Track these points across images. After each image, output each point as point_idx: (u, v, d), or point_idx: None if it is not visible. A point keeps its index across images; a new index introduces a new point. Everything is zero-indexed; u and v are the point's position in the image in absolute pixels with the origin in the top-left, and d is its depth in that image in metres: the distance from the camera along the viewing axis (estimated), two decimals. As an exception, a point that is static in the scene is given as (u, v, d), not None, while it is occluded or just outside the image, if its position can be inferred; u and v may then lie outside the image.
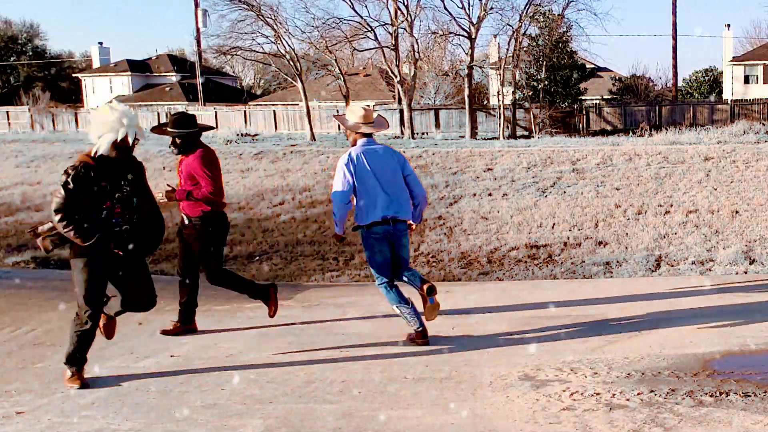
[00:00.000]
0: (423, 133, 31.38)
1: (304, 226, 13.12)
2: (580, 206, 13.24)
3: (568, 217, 12.51)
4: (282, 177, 18.38)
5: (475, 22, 28.83)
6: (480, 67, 38.13)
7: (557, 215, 12.70)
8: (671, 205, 12.94)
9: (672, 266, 9.22)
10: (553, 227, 11.94)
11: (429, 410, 4.01)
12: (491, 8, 28.78)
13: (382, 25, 29.74)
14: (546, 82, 31.24)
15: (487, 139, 28.74)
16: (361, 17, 29.40)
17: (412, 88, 30.72)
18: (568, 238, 11.15)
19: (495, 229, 11.97)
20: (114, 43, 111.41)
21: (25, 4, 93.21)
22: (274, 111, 35.60)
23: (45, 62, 58.29)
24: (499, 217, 12.87)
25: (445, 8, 33.97)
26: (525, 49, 30.87)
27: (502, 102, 29.31)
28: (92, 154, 4.32)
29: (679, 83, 42.89)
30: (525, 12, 29.20)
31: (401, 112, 31.30)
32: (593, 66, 41.03)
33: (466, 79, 30.62)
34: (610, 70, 45.82)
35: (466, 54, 29.88)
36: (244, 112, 35.90)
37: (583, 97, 34.38)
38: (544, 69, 31.20)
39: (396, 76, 29.87)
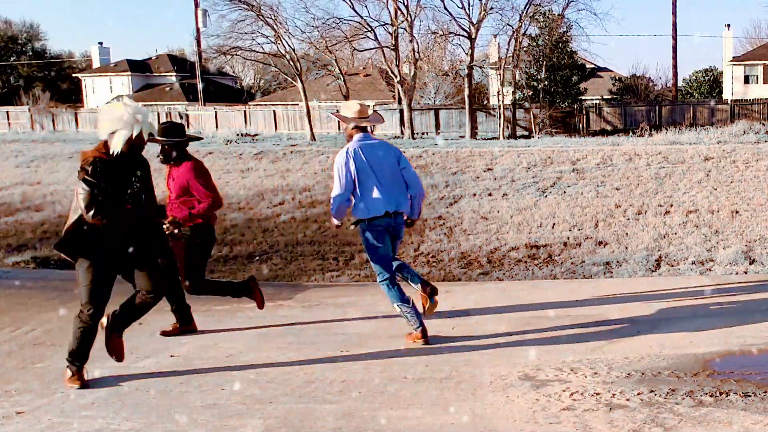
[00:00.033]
0: (423, 133, 31.37)
1: (304, 226, 13.12)
2: (580, 206, 13.24)
3: (568, 217, 12.51)
4: (282, 177, 18.38)
5: (475, 22, 28.84)
6: (480, 67, 38.13)
7: (557, 215, 12.70)
8: (671, 205, 12.94)
9: (672, 266, 9.22)
10: (553, 227, 11.94)
11: (429, 410, 4.01)
12: (491, 8, 28.80)
13: (382, 25, 29.76)
14: (546, 82, 31.24)
15: (487, 139, 28.74)
16: (361, 17, 29.43)
17: (412, 88, 30.72)
18: (568, 238, 11.15)
19: (495, 229, 11.97)
20: (114, 43, 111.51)
21: (25, 4, 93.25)
22: (274, 111, 35.59)
23: (45, 62, 58.29)
24: (499, 217, 12.87)
25: (445, 8, 34.01)
26: (525, 49, 30.87)
27: (502, 102, 29.32)
28: (105, 150, 4.28)
29: (679, 83, 42.91)
30: (525, 12, 29.22)
31: (401, 112, 31.31)
32: (593, 66, 41.02)
33: (466, 79, 30.63)
34: (610, 70, 45.83)
35: (466, 54, 29.88)
36: (244, 112, 35.90)
37: (583, 97, 34.38)
38: (544, 69, 31.20)
39: (396, 76, 29.87)
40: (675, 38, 35.90)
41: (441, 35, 31.65)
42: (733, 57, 42.31)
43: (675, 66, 43.20)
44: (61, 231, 4.40)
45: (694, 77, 46.65)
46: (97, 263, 4.32)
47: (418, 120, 31.79)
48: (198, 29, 37.09)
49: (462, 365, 4.72)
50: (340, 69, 30.75)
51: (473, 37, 29.06)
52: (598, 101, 36.29)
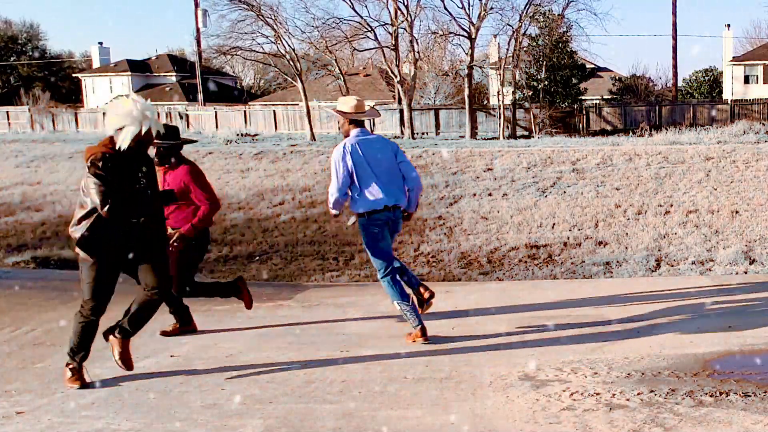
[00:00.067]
0: (423, 133, 31.38)
1: (304, 226, 13.12)
2: (580, 206, 13.24)
3: (568, 217, 12.51)
4: (282, 177, 18.39)
5: (475, 22, 28.85)
6: (480, 67, 38.13)
7: (557, 215, 12.70)
8: (671, 205, 12.95)
9: (672, 266, 9.22)
10: (553, 227, 11.94)
11: (429, 410, 4.01)
12: (491, 8, 28.82)
13: (382, 25, 29.77)
14: (546, 82, 31.24)
15: (487, 139, 28.75)
16: (361, 17, 29.45)
17: (412, 88, 30.72)
18: (568, 238, 11.15)
19: (495, 229, 11.97)
20: (114, 43, 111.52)
21: (25, 4, 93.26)
22: (274, 111, 35.59)
23: (45, 62, 58.30)
24: (499, 217, 12.87)
25: (445, 8, 34.07)
26: (525, 49, 30.88)
27: (502, 102, 29.32)
28: (111, 145, 4.26)
29: (679, 83, 42.92)
30: (525, 12, 29.23)
31: (401, 112, 31.31)
32: (593, 66, 41.03)
33: (466, 79, 30.63)
34: (610, 70, 45.83)
35: (466, 54, 29.89)
36: (244, 112, 35.90)
37: (583, 97, 34.38)
38: (544, 69, 31.20)
39: (396, 76, 29.88)
40: (675, 38, 35.93)
41: (441, 35, 31.66)
42: (733, 57, 42.31)
43: (675, 66, 43.27)
44: (63, 230, 4.38)
45: (694, 77, 46.67)
46: (101, 260, 4.30)
47: (418, 120, 31.80)
48: (198, 29, 37.10)
49: (462, 365, 4.72)
50: (340, 69, 30.76)
51: (473, 37, 29.06)
52: (598, 101, 36.30)
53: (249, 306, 5.80)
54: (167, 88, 50.05)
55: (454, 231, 12.14)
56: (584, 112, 32.33)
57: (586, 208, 13.09)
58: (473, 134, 29.38)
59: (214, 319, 6.02)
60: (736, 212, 12.09)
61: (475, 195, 14.91)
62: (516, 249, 10.66)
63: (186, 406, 4.13)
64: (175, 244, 5.25)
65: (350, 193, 5.27)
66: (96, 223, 4.26)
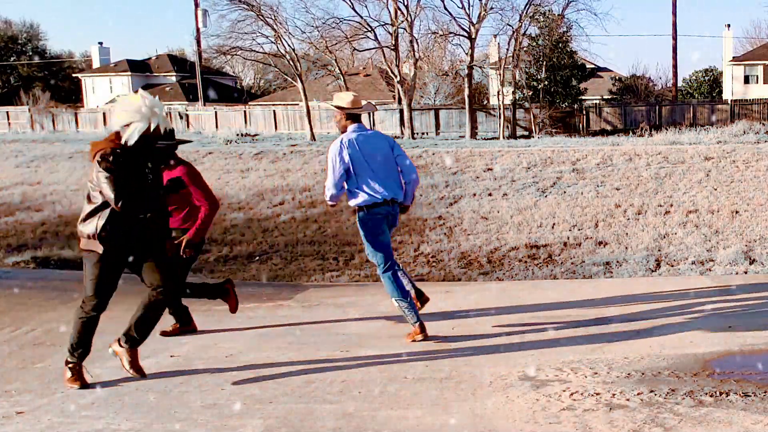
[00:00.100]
0: (423, 133, 31.38)
1: (304, 226, 13.12)
2: (580, 206, 13.24)
3: (568, 217, 12.51)
4: (282, 177, 18.39)
5: (475, 22, 28.85)
6: (480, 67, 38.14)
7: (557, 215, 12.70)
8: (671, 205, 12.95)
9: (672, 266, 9.22)
10: (553, 227, 11.94)
11: (429, 410, 4.01)
12: (491, 8, 28.83)
13: (382, 25, 29.78)
14: (546, 82, 31.25)
15: (487, 139, 28.75)
16: (361, 17, 29.46)
17: (412, 88, 30.73)
18: (568, 238, 11.15)
19: (495, 229, 11.97)
20: (114, 43, 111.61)
21: (25, 4, 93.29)
22: (274, 111, 35.60)
23: (45, 62, 58.31)
24: (499, 217, 12.87)
25: (445, 8, 34.08)
26: (525, 49, 30.89)
27: (502, 102, 29.33)
28: (118, 141, 4.23)
29: (679, 83, 42.93)
30: (525, 12, 29.24)
31: (401, 112, 31.31)
32: (593, 66, 41.04)
33: (466, 79, 30.64)
34: (610, 70, 45.85)
35: (466, 54, 29.90)
36: (244, 112, 35.90)
37: (583, 97, 34.39)
38: (544, 69, 31.21)
39: (396, 76, 29.88)
40: (675, 38, 35.93)
41: (441, 35, 31.67)
42: (733, 57, 42.32)
43: (675, 66, 43.27)
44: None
45: (694, 77, 46.68)
46: (105, 256, 4.26)
47: (418, 120, 31.80)
48: (198, 29, 37.11)
49: (462, 365, 4.72)
50: (340, 69, 30.78)
51: (473, 37, 29.07)
52: (598, 101, 36.31)
53: (233, 310, 5.70)
54: (167, 88, 50.05)
55: (454, 231, 12.14)
56: (584, 112, 32.34)
57: (586, 208, 13.09)
58: (473, 134, 29.38)
59: (214, 319, 6.02)
60: (736, 212, 12.10)
61: (475, 195, 14.91)
62: (516, 249, 10.66)
63: (186, 406, 4.13)
64: (186, 250, 5.25)
65: (347, 188, 5.30)
66: (112, 216, 4.22)
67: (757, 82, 41.28)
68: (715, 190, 14.00)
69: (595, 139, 24.66)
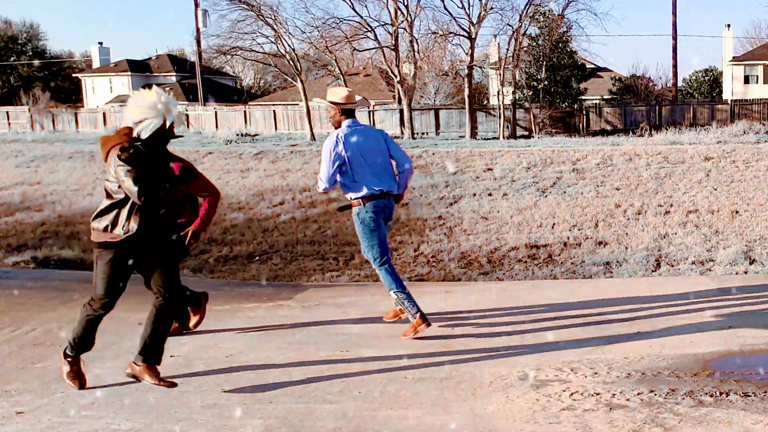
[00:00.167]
0: (423, 133, 31.38)
1: (304, 226, 13.12)
2: (580, 206, 13.24)
3: (568, 217, 12.51)
4: (282, 177, 18.39)
5: (475, 22, 28.86)
6: (480, 67, 38.15)
7: (557, 215, 12.70)
8: (671, 205, 12.95)
9: (672, 266, 9.22)
10: (553, 227, 11.94)
11: (429, 410, 4.01)
12: (491, 8, 28.85)
13: (382, 25, 29.79)
14: (546, 82, 31.25)
15: (487, 139, 28.76)
16: (361, 17, 29.47)
17: (412, 88, 30.73)
18: (568, 238, 11.15)
19: (495, 229, 11.97)
20: (114, 43, 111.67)
21: (25, 4, 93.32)
22: (274, 111, 35.60)
23: (45, 62, 58.31)
24: (499, 217, 12.87)
25: (445, 8, 34.09)
26: (525, 49, 30.90)
27: (502, 102, 29.33)
28: (131, 135, 4.18)
29: (679, 83, 42.94)
30: (525, 12, 29.25)
31: (401, 112, 31.32)
32: (593, 66, 41.04)
33: (466, 79, 30.65)
34: (610, 70, 45.86)
35: (466, 54, 29.90)
36: (244, 112, 35.91)
37: (583, 97, 34.40)
38: (544, 69, 31.22)
39: (396, 76, 29.88)
40: (675, 38, 35.94)
41: (441, 35, 31.68)
42: (733, 57, 42.32)
43: (675, 66, 43.26)
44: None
45: (694, 77, 46.69)
46: (119, 251, 4.20)
47: (418, 120, 31.80)
48: (198, 29, 37.12)
49: (462, 365, 4.72)
50: (340, 69, 30.78)
51: (473, 37, 29.07)
52: (598, 101, 36.31)
53: (194, 326, 5.53)
54: (167, 88, 50.01)
55: (454, 231, 12.14)
56: (584, 112, 32.35)
57: (586, 208, 13.09)
58: (473, 134, 29.38)
59: (214, 319, 6.02)
60: (736, 212, 12.10)
61: (475, 195, 14.91)
62: (516, 249, 10.66)
63: (186, 406, 4.13)
64: (191, 241, 5.15)
65: (343, 182, 5.34)
66: (131, 210, 4.15)
67: (757, 82, 41.28)
68: (715, 190, 14.00)
69: (595, 139, 24.67)
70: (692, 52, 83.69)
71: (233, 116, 35.44)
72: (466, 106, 29.70)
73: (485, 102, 39.11)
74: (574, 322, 5.67)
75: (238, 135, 29.55)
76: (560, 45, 31.31)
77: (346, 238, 11.24)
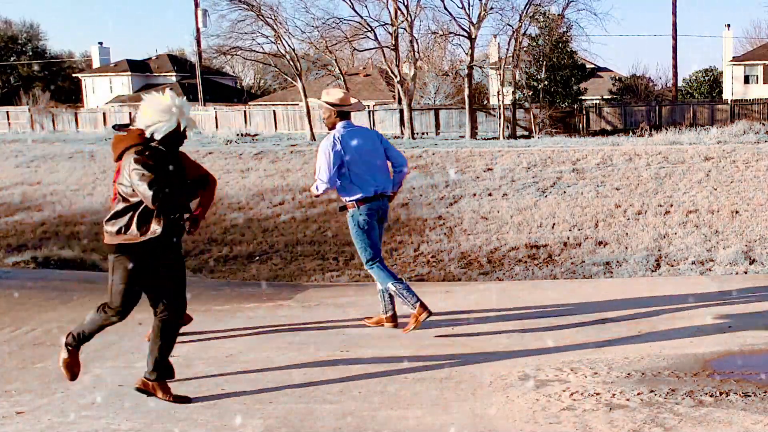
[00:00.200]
0: (423, 133, 31.37)
1: (304, 226, 13.12)
2: (580, 206, 13.24)
3: (568, 217, 12.51)
4: (282, 177, 18.39)
5: (475, 22, 28.86)
6: (480, 67, 38.16)
7: (557, 215, 12.70)
8: (671, 205, 12.95)
9: (672, 266, 9.22)
10: (553, 227, 11.94)
11: (429, 410, 4.01)
12: (491, 8, 28.86)
13: (382, 25, 29.80)
14: (546, 82, 31.26)
15: (487, 139, 28.76)
16: (361, 17, 29.47)
17: (412, 88, 30.73)
18: (568, 238, 11.15)
19: (495, 229, 11.97)
20: (114, 43, 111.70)
21: (25, 4, 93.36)
22: (274, 111, 35.60)
23: (45, 62, 58.32)
24: (499, 217, 12.87)
25: (445, 8, 34.07)
26: (525, 49, 30.91)
27: (502, 102, 29.34)
28: (145, 138, 4.12)
29: (679, 83, 42.94)
30: (525, 12, 29.26)
31: (401, 112, 31.31)
32: (593, 66, 41.04)
33: (466, 79, 30.65)
34: (610, 70, 45.86)
35: (466, 54, 29.90)
36: (244, 112, 35.91)
37: (583, 97, 34.40)
38: (544, 69, 31.22)
39: (396, 76, 29.89)
40: (675, 38, 35.94)
41: (441, 35, 31.69)
42: (733, 57, 42.32)
43: (675, 66, 43.25)
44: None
45: (694, 77, 46.69)
46: (137, 264, 4.09)
47: (418, 120, 31.80)
48: (198, 29, 37.13)
49: (462, 365, 4.72)
50: (340, 69, 30.79)
51: (473, 37, 29.08)
52: (598, 101, 36.31)
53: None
54: (167, 88, 50.02)
55: (454, 231, 12.14)
56: (584, 112, 32.35)
57: (586, 208, 13.09)
58: (473, 134, 29.39)
59: (214, 319, 6.02)
60: (736, 212, 12.10)
61: (475, 195, 14.91)
62: (516, 249, 10.66)
63: (186, 406, 4.13)
64: (192, 230, 5.11)
65: (338, 182, 5.35)
66: (144, 214, 4.07)
67: (757, 82, 41.29)
68: (715, 190, 14.00)
69: (595, 139, 24.67)
70: (692, 52, 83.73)
71: (233, 116, 35.45)
72: (466, 106, 29.70)
73: (485, 102, 39.11)
74: (574, 322, 5.67)
75: (238, 135, 29.56)
76: (560, 45, 31.32)
77: (346, 238, 11.24)
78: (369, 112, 32.42)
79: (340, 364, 4.80)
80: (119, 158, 4.22)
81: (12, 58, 57.94)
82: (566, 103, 31.97)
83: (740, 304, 6.11)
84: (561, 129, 30.87)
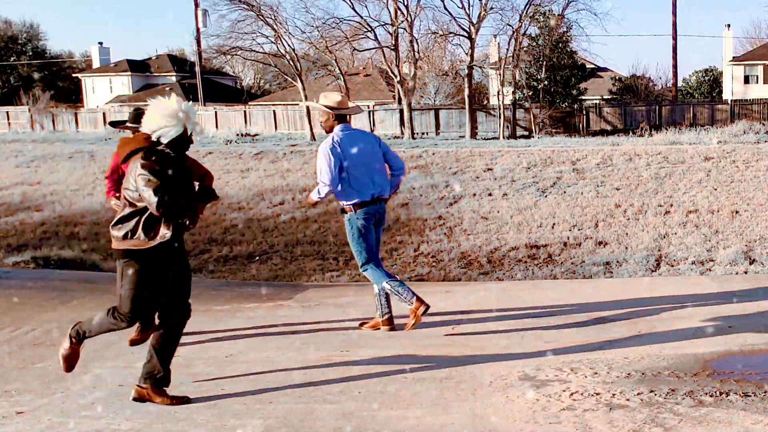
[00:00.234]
0: (423, 133, 31.37)
1: (304, 226, 13.12)
2: (580, 206, 13.24)
3: (568, 217, 12.51)
4: (282, 177, 18.38)
5: (475, 22, 28.87)
6: (480, 67, 38.15)
7: (557, 215, 12.70)
8: (671, 205, 12.95)
9: (672, 266, 9.22)
10: (553, 227, 11.94)
11: (429, 410, 4.01)
12: (491, 8, 28.86)
13: (382, 25, 29.79)
14: (546, 82, 31.26)
15: (487, 139, 28.76)
16: (361, 17, 29.46)
17: (412, 88, 30.73)
18: (568, 238, 11.15)
19: (495, 229, 11.97)
20: (114, 43, 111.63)
21: (25, 4, 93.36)
22: (274, 111, 35.60)
23: (45, 62, 58.30)
24: (499, 217, 12.87)
25: (445, 8, 34.04)
26: (525, 49, 30.91)
27: (502, 102, 29.34)
28: (152, 142, 4.10)
29: (679, 83, 42.93)
30: (525, 12, 29.26)
31: (401, 112, 31.31)
32: (593, 66, 41.03)
33: (466, 79, 30.65)
34: (610, 70, 45.84)
35: (466, 54, 29.91)
36: (244, 112, 35.91)
37: (583, 97, 34.39)
38: (544, 69, 31.22)
39: (396, 76, 29.88)
40: (675, 38, 35.94)
41: (441, 35, 31.69)
42: (733, 57, 42.31)
43: (675, 66, 43.22)
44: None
45: (694, 77, 46.68)
46: (147, 268, 4.07)
47: (418, 120, 31.80)
48: (198, 29, 37.13)
49: (462, 365, 4.72)
50: (340, 69, 30.77)
51: (473, 37, 29.08)
52: (598, 101, 36.31)
53: (132, 342, 5.29)
54: (167, 88, 50.02)
55: (454, 231, 12.14)
56: (584, 112, 32.35)
57: (586, 208, 13.09)
58: (473, 134, 29.38)
59: (214, 319, 6.02)
60: (736, 212, 12.10)
61: (475, 195, 14.91)
62: (516, 249, 10.66)
63: (186, 406, 4.13)
64: (190, 226, 5.07)
65: (338, 185, 5.35)
66: (150, 218, 4.04)
67: (757, 82, 41.28)
68: (715, 190, 14.00)
69: (595, 139, 24.66)
70: (692, 52, 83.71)
71: (233, 116, 35.45)
72: (466, 106, 29.70)
73: (485, 102, 39.11)
74: (574, 322, 5.67)
75: (238, 135, 29.57)
76: (560, 45, 31.32)
77: (346, 238, 11.24)
78: (369, 112, 32.41)
79: (340, 364, 4.80)
80: (125, 161, 4.20)
81: (12, 58, 57.94)
82: (566, 103, 31.96)
83: (740, 304, 6.11)
84: (561, 129, 30.87)
